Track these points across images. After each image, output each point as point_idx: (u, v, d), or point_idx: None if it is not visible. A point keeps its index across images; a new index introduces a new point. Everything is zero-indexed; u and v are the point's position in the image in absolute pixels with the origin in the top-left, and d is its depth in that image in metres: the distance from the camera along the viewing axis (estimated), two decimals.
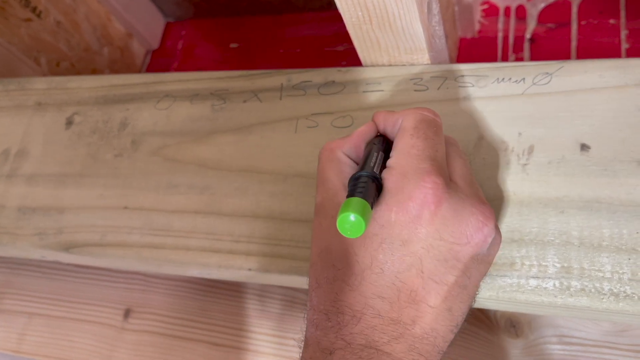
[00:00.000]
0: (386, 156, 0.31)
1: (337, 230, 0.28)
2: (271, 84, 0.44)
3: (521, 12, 0.65)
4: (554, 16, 0.63)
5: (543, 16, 0.64)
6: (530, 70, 0.37)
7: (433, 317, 0.27)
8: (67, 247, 0.43)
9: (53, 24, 0.65)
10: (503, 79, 0.37)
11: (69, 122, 0.49)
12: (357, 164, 0.32)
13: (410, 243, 0.27)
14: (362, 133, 0.33)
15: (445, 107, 0.38)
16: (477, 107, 0.37)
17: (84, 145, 0.47)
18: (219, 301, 0.50)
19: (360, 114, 0.40)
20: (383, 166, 0.30)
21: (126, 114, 0.47)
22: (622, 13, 0.61)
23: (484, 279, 0.30)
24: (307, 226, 0.38)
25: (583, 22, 0.62)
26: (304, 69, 0.43)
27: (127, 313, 0.51)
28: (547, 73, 0.37)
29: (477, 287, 0.29)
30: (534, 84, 0.37)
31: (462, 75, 0.39)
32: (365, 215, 0.26)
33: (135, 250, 0.41)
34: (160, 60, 0.80)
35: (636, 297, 0.30)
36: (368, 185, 0.28)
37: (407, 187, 0.27)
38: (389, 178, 0.29)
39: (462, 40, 0.66)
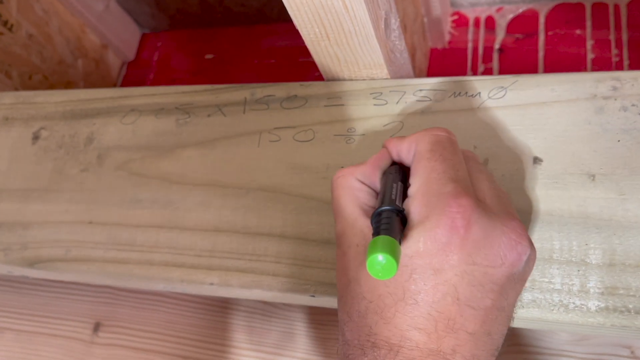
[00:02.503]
0: (404, 185, 0.30)
1: (364, 260, 0.27)
2: (235, 98, 0.44)
3: (490, 23, 0.66)
4: (522, 27, 0.64)
5: (511, 27, 0.65)
6: (486, 85, 0.38)
7: (473, 343, 0.26)
8: (32, 263, 0.43)
9: (25, 37, 0.65)
10: (459, 93, 0.38)
11: (36, 137, 0.49)
12: (372, 189, 0.31)
13: (443, 271, 0.26)
14: (377, 160, 0.32)
15: (404, 121, 0.39)
16: (434, 121, 0.38)
17: (50, 160, 0.47)
18: (187, 314, 0.50)
19: (322, 128, 0.41)
20: (404, 196, 0.29)
21: (92, 128, 0.47)
22: (588, 24, 0.62)
23: (520, 297, 0.29)
24: (268, 240, 0.38)
25: (550, 33, 0.63)
26: (267, 84, 0.44)
27: (96, 327, 0.51)
28: (502, 87, 0.37)
29: (514, 306, 0.28)
30: (490, 97, 0.37)
31: (420, 90, 0.39)
32: (395, 254, 0.24)
33: (100, 265, 0.41)
34: (136, 72, 0.81)
35: (585, 309, 0.31)
36: (392, 220, 0.27)
37: (433, 214, 0.26)
38: (412, 208, 0.27)
39: (432, 51, 0.66)
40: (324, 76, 0.42)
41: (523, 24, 0.64)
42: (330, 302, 0.36)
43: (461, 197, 0.26)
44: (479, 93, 0.38)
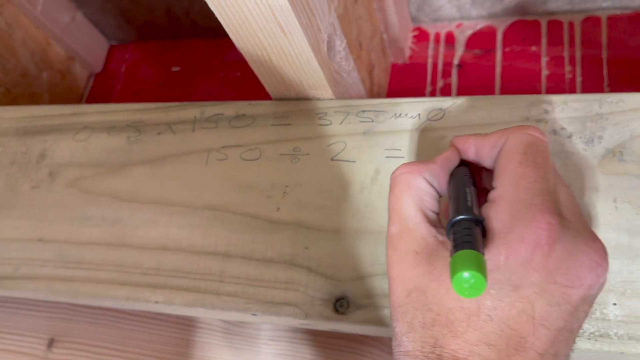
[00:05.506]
0: (476, 189, 0.29)
1: (429, 271, 0.26)
2: (185, 117, 0.45)
3: (450, 39, 0.67)
4: (480, 43, 0.66)
5: (470, 43, 0.66)
6: (425, 106, 0.39)
7: None
8: None
9: None
10: (400, 114, 0.39)
11: None
12: (437, 192, 0.29)
13: (521, 288, 0.25)
14: (446, 160, 0.30)
15: (346, 141, 0.39)
16: (376, 141, 0.39)
17: (1, 177, 0.47)
18: (142, 329, 0.50)
19: (268, 147, 0.41)
20: (477, 202, 0.28)
21: (45, 145, 0.47)
22: (543, 40, 0.63)
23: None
24: (213, 259, 0.39)
25: (507, 49, 0.64)
26: (217, 102, 0.44)
27: (50, 343, 0.51)
28: (441, 109, 0.38)
29: (580, 327, 0.27)
30: (428, 119, 0.38)
31: (363, 111, 0.40)
32: (484, 271, 0.23)
33: (47, 283, 0.42)
34: (103, 83, 0.81)
35: None
36: (473, 231, 0.25)
37: (518, 227, 0.25)
38: (495, 216, 0.26)
39: (393, 66, 0.67)
40: (272, 95, 0.43)
41: (481, 40, 0.66)
42: (272, 320, 0.37)
43: (549, 213, 0.25)
44: (419, 114, 0.39)
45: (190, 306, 0.38)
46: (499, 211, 0.26)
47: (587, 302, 0.26)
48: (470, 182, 0.29)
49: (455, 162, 0.31)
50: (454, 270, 0.23)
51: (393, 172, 0.30)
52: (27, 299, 0.53)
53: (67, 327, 0.52)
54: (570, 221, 0.26)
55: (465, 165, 0.31)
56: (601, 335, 0.31)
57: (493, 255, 0.25)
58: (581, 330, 0.31)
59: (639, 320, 0.30)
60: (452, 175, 0.30)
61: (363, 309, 0.35)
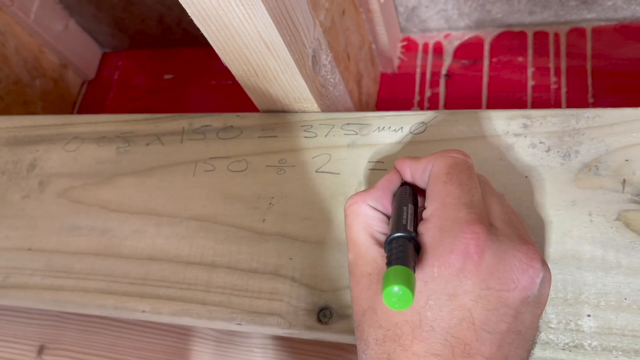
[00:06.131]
0: (416, 207, 0.31)
1: (379, 289, 0.28)
2: (174, 128, 0.45)
3: (438, 49, 0.68)
4: (468, 53, 0.67)
5: (458, 53, 0.67)
6: (408, 120, 0.39)
7: None
8: None
9: None
10: (383, 127, 0.40)
11: None
12: (385, 214, 0.31)
13: (457, 296, 0.26)
14: (387, 183, 0.32)
15: (331, 153, 0.40)
16: (359, 154, 0.40)
17: None
18: (131, 337, 0.51)
19: (255, 159, 0.42)
20: (416, 218, 0.30)
21: (36, 155, 0.48)
22: (530, 51, 0.64)
23: (540, 319, 0.29)
24: (199, 269, 0.39)
25: (494, 59, 0.65)
26: (205, 114, 0.45)
27: (40, 350, 0.52)
28: (423, 123, 0.39)
29: (533, 329, 0.28)
30: (411, 132, 0.39)
31: (348, 124, 0.41)
32: (410, 285, 0.25)
33: (36, 292, 0.42)
34: (96, 91, 0.81)
35: None
36: (405, 247, 0.27)
37: (447, 240, 0.27)
38: (427, 232, 0.28)
39: (382, 75, 0.68)
40: (259, 108, 0.44)
41: (469, 50, 0.67)
42: (256, 329, 0.38)
43: (474, 224, 0.27)
44: (402, 128, 0.39)
45: (177, 316, 0.39)
46: (429, 227, 0.28)
47: (530, 303, 0.27)
48: (410, 199, 0.31)
49: (396, 182, 0.33)
50: (384, 284, 0.25)
51: (344, 206, 0.32)
52: (17, 306, 0.54)
53: (57, 334, 0.52)
54: (499, 228, 0.28)
55: (408, 184, 0.33)
56: (575, 346, 0.31)
57: (427, 269, 0.27)
58: (556, 341, 0.31)
59: (613, 331, 0.31)
60: (395, 194, 0.32)
61: (346, 319, 0.35)
